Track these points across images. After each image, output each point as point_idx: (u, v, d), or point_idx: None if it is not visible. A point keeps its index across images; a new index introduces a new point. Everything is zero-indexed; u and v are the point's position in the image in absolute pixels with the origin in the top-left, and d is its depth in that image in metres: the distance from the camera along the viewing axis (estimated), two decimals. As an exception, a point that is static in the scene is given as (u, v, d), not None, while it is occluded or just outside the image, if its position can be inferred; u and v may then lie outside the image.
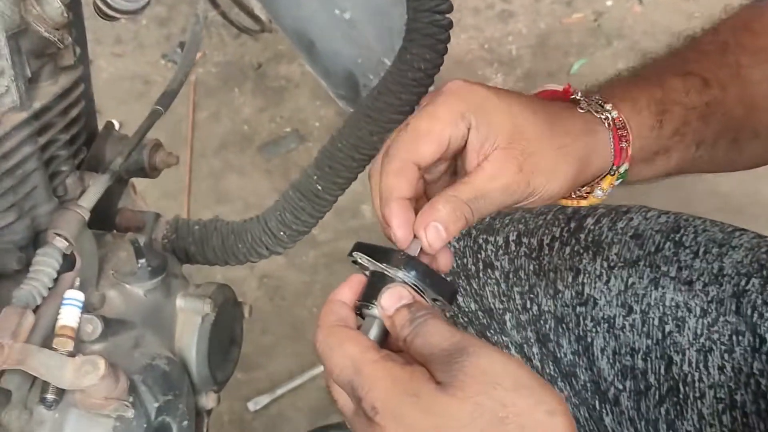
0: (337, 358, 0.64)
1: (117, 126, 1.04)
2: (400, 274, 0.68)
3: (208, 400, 0.91)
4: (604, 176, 0.80)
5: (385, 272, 0.68)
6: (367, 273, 0.71)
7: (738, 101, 0.84)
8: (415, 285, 0.68)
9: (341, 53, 1.59)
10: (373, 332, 0.68)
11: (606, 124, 0.78)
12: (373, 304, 0.68)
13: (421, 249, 0.71)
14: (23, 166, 0.78)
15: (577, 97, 0.80)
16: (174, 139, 2.17)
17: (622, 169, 0.79)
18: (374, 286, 0.69)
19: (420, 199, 0.75)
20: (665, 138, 0.82)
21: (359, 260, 0.70)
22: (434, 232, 0.69)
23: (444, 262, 0.73)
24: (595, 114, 0.78)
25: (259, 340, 1.84)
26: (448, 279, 0.73)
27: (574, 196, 0.83)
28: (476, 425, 0.58)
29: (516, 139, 0.72)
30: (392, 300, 0.66)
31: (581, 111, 0.78)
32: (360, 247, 0.71)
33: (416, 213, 0.72)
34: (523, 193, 0.72)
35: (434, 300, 0.70)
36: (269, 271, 1.96)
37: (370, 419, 0.61)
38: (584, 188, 0.82)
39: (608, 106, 0.79)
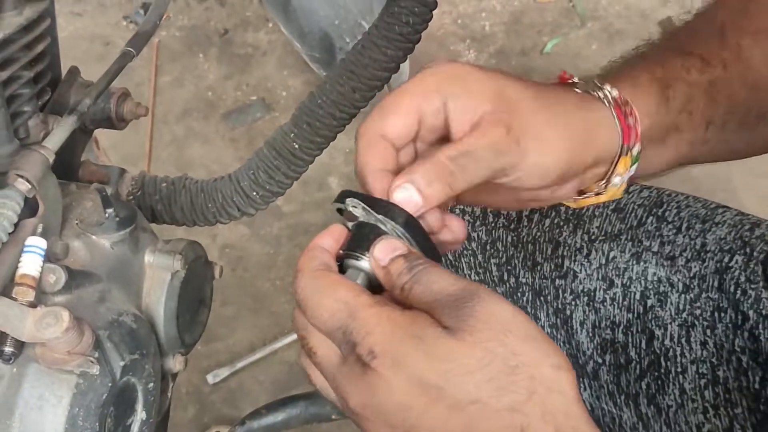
0: (327, 301, 0.60)
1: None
2: (396, 228, 0.65)
3: (175, 363, 0.86)
4: (618, 160, 0.76)
5: (379, 224, 0.64)
6: (351, 225, 0.67)
7: (741, 82, 0.82)
8: (409, 242, 0.65)
9: (318, 13, 1.54)
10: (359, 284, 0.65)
11: (605, 102, 0.74)
12: (362, 255, 0.64)
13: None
14: (-17, 101, 0.72)
15: (574, 81, 0.77)
16: (135, 103, 2.11)
17: (635, 151, 0.75)
18: (364, 237, 0.65)
19: None
20: (673, 113, 0.78)
21: (350, 208, 0.66)
22: (404, 193, 0.65)
23: (457, 229, 0.71)
24: (593, 93, 0.75)
25: (220, 311, 1.79)
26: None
27: (591, 194, 0.78)
28: (485, 372, 0.55)
29: (502, 104, 0.69)
30: (387, 250, 0.62)
31: (578, 91, 0.75)
32: (350, 194, 0.67)
33: None
34: (513, 155, 0.68)
35: None
36: (232, 241, 1.91)
37: (365, 365, 0.57)
38: (601, 182, 0.77)
39: (607, 86, 0.75)
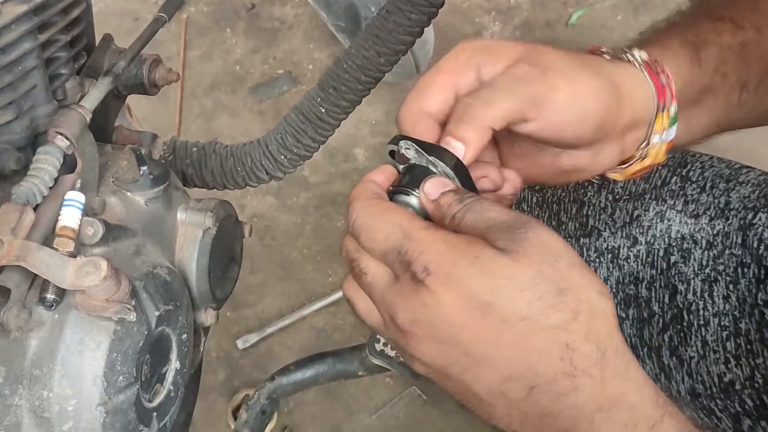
0: (383, 224, 0.63)
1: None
2: (446, 169, 0.67)
3: (207, 317, 0.89)
4: (654, 119, 0.76)
5: (430, 165, 0.67)
6: (402, 167, 0.70)
7: None
8: (457, 183, 0.67)
9: (343, -18, 1.56)
10: None
11: (635, 64, 0.75)
12: (412, 191, 0.67)
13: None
14: (23, 62, 0.75)
15: (602, 50, 0.78)
16: (164, 77, 2.13)
17: (672, 110, 0.76)
18: (414, 176, 0.67)
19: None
20: (707, 75, 0.79)
21: (403, 150, 0.68)
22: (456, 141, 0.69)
23: (514, 179, 0.74)
24: (622, 57, 0.75)
25: (249, 279, 1.82)
26: None
27: (634, 160, 0.79)
28: (536, 291, 0.58)
29: (529, 52, 0.70)
30: (437, 185, 0.65)
31: (607, 57, 0.76)
32: (403, 138, 0.69)
33: None
34: (538, 84, 0.68)
35: None
36: (260, 211, 1.94)
37: (418, 282, 0.59)
38: (642, 145, 0.77)
39: (635, 50, 0.76)
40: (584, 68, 0.71)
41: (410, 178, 0.68)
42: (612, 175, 0.80)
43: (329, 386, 1.61)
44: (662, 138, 0.76)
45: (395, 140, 0.70)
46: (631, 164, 0.78)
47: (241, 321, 1.77)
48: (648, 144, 0.77)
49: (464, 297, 0.58)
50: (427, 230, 0.61)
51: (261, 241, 1.89)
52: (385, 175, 0.69)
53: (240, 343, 1.72)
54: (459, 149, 0.67)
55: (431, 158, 0.67)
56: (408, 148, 0.68)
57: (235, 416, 1.61)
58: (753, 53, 0.80)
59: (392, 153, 0.71)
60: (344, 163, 1.98)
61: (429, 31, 1.95)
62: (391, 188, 0.68)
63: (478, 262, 0.58)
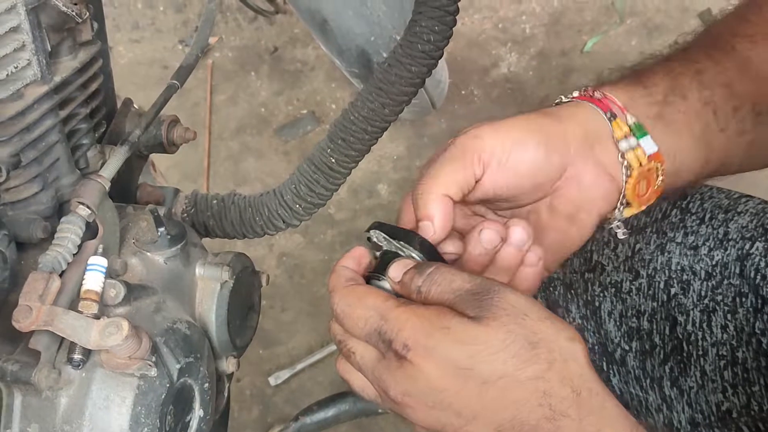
0: (360, 310, 0.69)
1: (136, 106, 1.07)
2: (413, 253, 0.73)
3: (228, 365, 0.94)
4: (612, 128, 0.80)
5: (399, 250, 0.73)
6: (378, 253, 0.76)
7: (740, 72, 0.86)
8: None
9: (354, 31, 1.62)
10: None
11: (561, 100, 0.82)
12: (383, 276, 0.73)
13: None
14: (46, 138, 0.81)
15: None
16: (192, 122, 2.21)
17: (628, 119, 0.80)
18: (385, 261, 0.74)
19: None
20: (659, 93, 0.83)
21: (374, 238, 0.74)
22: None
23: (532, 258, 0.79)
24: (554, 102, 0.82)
25: (279, 317, 1.87)
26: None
27: (623, 177, 0.81)
28: (510, 350, 0.63)
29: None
30: (399, 268, 0.71)
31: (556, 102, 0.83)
32: (378, 225, 0.76)
33: None
34: (464, 143, 0.76)
35: None
36: (288, 250, 1.99)
37: (401, 359, 0.65)
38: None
39: (568, 95, 0.83)
40: (508, 119, 0.78)
41: (381, 263, 0.74)
42: (626, 213, 0.83)
43: (360, 421, 1.65)
44: (630, 143, 0.80)
45: (371, 227, 0.76)
46: (625, 183, 0.81)
47: (273, 358, 1.82)
48: (623, 155, 0.80)
49: (444, 366, 0.64)
50: (399, 308, 0.67)
51: (290, 279, 1.94)
52: (354, 257, 0.75)
53: (272, 380, 1.77)
54: (428, 227, 0.73)
55: (399, 244, 0.73)
56: (378, 236, 0.75)
57: (269, 452, 1.65)
58: (712, 79, 0.84)
59: (369, 239, 0.77)
60: (368, 200, 2.04)
61: (442, 70, 2.00)
62: (367, 274, 0.74)
63: (451, 333, 0.64)
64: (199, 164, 2.16)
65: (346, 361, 0.73)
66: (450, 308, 0.66)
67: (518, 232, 0.76)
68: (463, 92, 2.20)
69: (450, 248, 0.76)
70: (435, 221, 0.73)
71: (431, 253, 0.73)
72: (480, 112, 2.17)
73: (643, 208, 0.83)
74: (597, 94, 0.81)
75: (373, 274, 0.74)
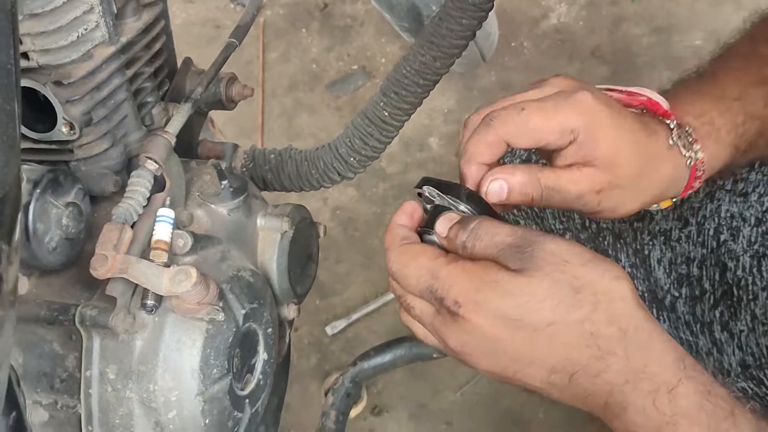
0: (413, 269, 0.72)
1: (194, 63, 1.11)
2: (462, 206, 0.75)
3: (289, 311, 0.99)
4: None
5: (449, 204, 0.75)
6: (429, 206, 0.78)
7: None
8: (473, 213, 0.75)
9: (404, -15, 1.63)
10: None
11: (687, 164, 0.83)
12: (432, 230, 0.75)
13: None
14: (115, 96, 0.85)
15: (671, 127, 0.83)
16: (246, 79, 2.20)
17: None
18: (434, 216, 0.76)
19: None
20: (737, 123, 0.86)
21: (426, 193, 0.77)
22: (497, 187, 0.76)
23: None
24: (683, 151, 0.83)
25: (334, 268, 1.92)
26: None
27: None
28: (555, 297, 0.66)
29: (611, 170, 0.78)
30: (445, 222, 0.74)
31: (671, 144, 0.83)
32: (427, 181, 0.78)
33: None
34: (591, 208, 0.79)
35: None
36: (341, 203, 2.03)
37: (453, 314, 0.69)
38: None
39: (696, 147, 0.83)
40: (640, 191, 0.81)
41: (432, 218, 0.76)
42: (663, 204, 0.88)
43: (414, 367, 1.70)
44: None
45: (420, 184, 0.78)
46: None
47: (329, 309, 1.87)
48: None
49: (495, 318, 0.67)
50: (449, 265, 0.70)
51: (344, 232, 1.98)
52: (407, 213, 0.77)
53: (329, 330, 1.82)
54: (500, 197, 0.76)
55: (449, 198, 0.75)
56: (430, 192, 0.77)
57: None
58: None
59: (420, 194, 0.79)
60: (419, 153, 2.06)
61: (492, 22, 2.00)
62: (419, 229, 0.77)
63: (498, 287, 0.67)
64: (253, 121, 2.20)
65: (406, 313, 0.76)
66: (495, 262, 0.69)
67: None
68: (512, 44, 2.20)
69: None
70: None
71: (479, 204, 0.75)
72: (530, 64, 2.16)
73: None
74: (696, 183, 0.84)
75: (425, 228, 0.77)
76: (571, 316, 0.66)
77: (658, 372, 0.66)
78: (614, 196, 0.78)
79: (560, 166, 0.77)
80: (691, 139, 0.83)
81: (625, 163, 0.77)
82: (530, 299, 0.67)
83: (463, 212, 0.75)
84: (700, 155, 0.83)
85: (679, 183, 0.83)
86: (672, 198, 0.85)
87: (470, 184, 0.77)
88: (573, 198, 0.77)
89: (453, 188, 0.77)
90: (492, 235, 0.70)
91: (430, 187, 0.77)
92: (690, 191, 0.85)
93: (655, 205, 0.86)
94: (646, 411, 0.65)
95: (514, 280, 0.67)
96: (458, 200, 0.75)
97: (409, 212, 0.78)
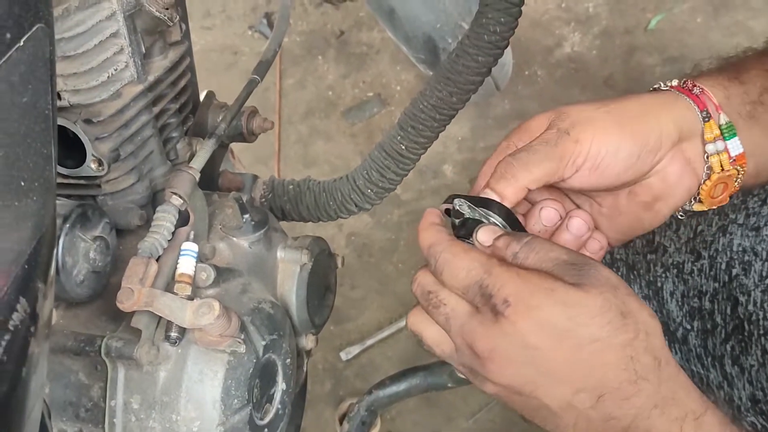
0: (465, 261, 0.72)
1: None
2: (493, 219, 0.76)
3: (307, 342, 1.01)
4: (703, 128, 0.81)
5: (483, 218, 0.76)
6: (458, 221, 0.79)
7: None
8: (506, 228, 0.76)
9: (420, 19, 1.66)
10: None
11: (660, 86, 0.82)
12: (468, 241, 0.76)
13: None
14: (141, 133, 0.88)
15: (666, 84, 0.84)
16: (262, 106, 2.26)
17: (721, 119, 0.80)
18: (469, 227, 0.77)
19: None
20: (754, 93, 0.83)
21: (458, 206, 0.78)
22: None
23: (594, 246, 0.83)
24: (652, 87, 0.83)
25: (349, 294, 1.94)
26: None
27: (703, 178, 0.82)
28: (606, 317, 0.68)
29: (553, 116, 0.80)
30: (488, 233, 0.75)
31: (667, 88, 0.83)
32: (455, 197, 0.79)
33: None
34: (566, 143, 0.77)
35: None
36: (357, 229, 2.05)
37: (497, 314, 0.69)
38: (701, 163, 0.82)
39: (668, 82, 0.83)
40: (606, 111, 0.79)
41: (466, 229, 0.77)
42: (696, 207, 0.85)
43: (428, 394, 1.71)
44: (717, 147, 0.81)
45: (449, 199, 0.79)
46: (703, 183, 0.82)
47: (343, 334, 1.89)
48: (707, 156, 0.81)
49: (543, 324, 0.68)
50: (503, 266, 0.71)
51: (359, 258, 2.01)
52: (438, 216, 0.79)
53: (343, 355, 1.84)
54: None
55: (482, 211, 0.77)
56: (461, 205, 0.78)
57: (341, 423, 1.72)
58: None
59: (447, 211, 0.80)
60: (433, 180, 2.08)
61: (507, 51, 2.02)
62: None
63: (555, 294, 0.68)
64: (270, 147, 2.23)
65: (429, 313, 0.75)
66: (550, 275, 0.70)
67: (577, 222, 0.80)
68: (526, 73, 2.22)
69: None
70: (506, 202, 0.77)
71: (512, 221, 0.76)
72: (543, 93, 2.19)
73: (713, 207, 0.85)
74: (696, 90, 0.81)
75: (458, 238, 0.77)
76: (616, 338, 0.68)
77: (686, 401, 0.69)
78: (578, 122, 0.78)
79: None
80: (691, 82, 0.82)
81: (566, 106, 0.79)
82: (584, 312, 0.68)
83: (498, 226, 0.76)
84: (672, 82, 0.82)
85: (672, 100, 0.81)
86: (704, 120, 0.81)
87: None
88: (542, 146, 0.77)
89: (486, 203, 0.77)
90: (548, 250, 0.71)
91: (461, 200, 0.78)
92: (718, 111, 0.80)
93: (711, 146, 0.81)
94: None
95: (572, 291, 0.68)
96: (492, 214, 0.76)
97: (437, 216, 0.79)
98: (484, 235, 0.75)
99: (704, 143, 0.81)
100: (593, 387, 0.68)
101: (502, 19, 0.95)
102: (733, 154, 0.81)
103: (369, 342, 1.83)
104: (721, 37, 2.17)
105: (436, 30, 1.66)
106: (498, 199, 0.77)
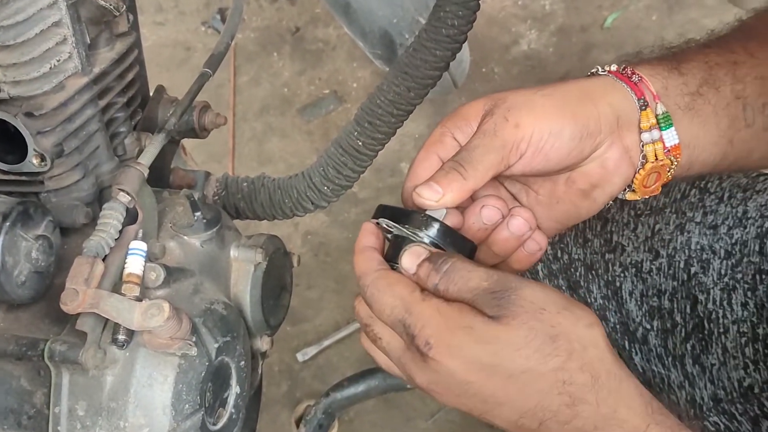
0: (387, 298, 0.70)
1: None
2: (420, 233, 0.73)
3: (262, 343, 0.98)
4: (640, 117, 0.80)
5: (407, 234, 0.73)
6: (390, 235, 0.77)
7: None
8: (434, 243, 0.73)
9: (376, 13, 1.64)
10: None
11: (597, 70, 0.81)
12: (396, 264, 0.73)
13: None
14: (87, 127, 0.85)
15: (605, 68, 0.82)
16: (216, 103, 2.23)
17: (658, 109, 0.80)
18: (397, 247, 0.74)
19: None
20: (694, 84, 0.83)
21: (382, 224, 0.76)
22: (427, 190, 0.74)
23: (540, 240, 0.79)
24: (624, 75, 0.80)
25: (305, 294, 1.91)
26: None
27: (638, 167, 0.81)
28: (531, 346, 0.66)
29: (488, 103, 0.78)
30: (412, 258, 0.72)
31: (604, 73, 0.81)
32: (383, 210, 0.77)
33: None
34: (506, 131, 0.75)
35: None
36: (313, 228, 2.03)
37: (423, 355, 0.68)
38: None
39: (638, 75, 0.81)
40: (544, 95, 0.77)
41: (394, 250, 0.75)
42: (629, 196, 0.84)
43: (387, 394, 1.70)
44: (652, 136, 0.80)
45: (377, 213, 0.77)
46: (637, 172, 0.81)
47: (300, 335, 1.86)
48: (643, 145, 0.81)
49: (468, 363, 0.67)
50: (424, 302, 0.69)
51: (316, 258, 1.98)
52: (373, 234, 0.76)
53: (300, 356, 1.81)
54: (441, 203, 0.73)
55: (407, 230, 0.73)
56: (387, 225, 0.75)
57: (298, 425, 1.70)
58: (746, 73, 0.84)
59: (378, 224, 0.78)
60: (391, 178, 2.06)
61: (464, 49, 2.01)
62: (384, 257, 0.75)
63: (474, 333, 0.67)
64: (223, 145, 2.19)
65: (371, 342, 0.75)
66: (470, 306, 0.68)
67: (518, 221, 0.78)
68: (483, 70, 2.22)
69: (449, 220, 0.76)
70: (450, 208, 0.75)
71: (442, 233, 0.73)
72: (500, 90, 2.17)
73: (646, 197, 0.85)
74: (635, 78, 0.80)
75: (390, 262, 0.75)
76: (546, 365, 0.66)
77: (627, 417, 0.66)
78: (514, 107, 0.76)
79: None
80: (630, 69, 0.81)
81: (502, 93, 0.78)
82: (506, 347, 0.67)
83: (425, 245, 0.73)
84: (611, 67, 0.81)
85: (610, 85, 0.80)
86: (641, 108, 0.80)
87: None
88: (482, 139, 0.75)
89: (408, 216, 0.74)
90: (466, 280, 0.69)
91: (385, 220, 0.76)
92: (655, 101, 0.80)
93: (647, 134, 0.80)
94: None
95: (491, 327, 0.67)
96: (417, 231, 0.73)
97: (374, 232, 0.77)
98: (407, 262, 0.72)
99: (640, 132, 0.80)
100: (533, 413, 0.68)
101: (460, 13, 0.93)
102: (668, 145, 0.81)
103: (326, 342, 1.81)
104: (675, 35, 2.18)
105: (393, 25, 1.64)
106: (435, 207, 0.74)
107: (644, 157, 0.80)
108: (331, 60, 2.32)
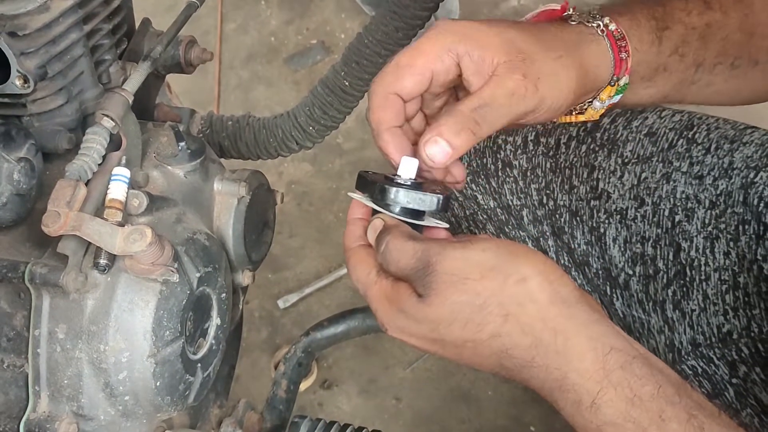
0: (354, 276, 0.74)
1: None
2: (382, 210, 0.73)
3: (244, 278, 0.98)
4: (604, 87, 0.82)
5: (373, 206, 0.74)
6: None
7: (738, 26, 0.86)
8: (404, 208, 0.73)
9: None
10: None
11: (600, 32, 0.80)
12: None
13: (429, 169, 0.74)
14: (71, 51, 0.83)
15: (569, 13, 0.81)
16: (202, 50, 2.21)
17: (622, 82, 0.82)
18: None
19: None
20: (665, 55, 0.84)
21: (356, 197, 0.77)
22: (435, 147, 0.71)
23: (457, 173, 0.78)
24: (588, 24, 0.80)
25: (288, 242, 1.91)
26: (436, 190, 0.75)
27: (574, 112, 0.84)
28: (461, 319, 0.67)
29: (514, 52, 0.74)
30: (371, 234, 0.73)
31: (573, 23, 0.80)
32: (361, 176, 0.76)
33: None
34: (531, 99, 0.73)
35: (428, 214, 0.76)
36: (297, 177, 2.02)
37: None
38: (582, 104, 0.83)
39: (605, 19, 0.80)
40: (563, 62, 0.76)
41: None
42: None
43: (366, 342, 1.70)
44: (603, 105, 0.83)
45: (357, 182, 0.77)
46: (567, 116, 0.84)
47: (281, 282, 1.86)
48: (589, 104, 0.83)
49: (419, 339, 0.70)
50: (375, 286, 0.71)
51: (299, 207, 1.97)
52: (360, 206, 0.77)
53: (281, 303, 1.81)
54: (447, 153, 0.71)
55: (375, 202, 0.74)
56: (360, 198, 0.76)
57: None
58: (714, 34, 0.84)
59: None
60: (376, 129, 2.05)
61: (453, 3, 2.00)
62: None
63: (409, 315, 0.69)
64: (209, 92, 2.17)
65: None
66: (408, 285, 0.70)
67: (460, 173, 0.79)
68: (473, 25, 2.20)
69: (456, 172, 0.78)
70: (453, 155, 0.72)
71: (401, 198, 0.72)
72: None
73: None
74: (623, 54, 0.80)
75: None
76: (483, 333, 0.66)
77: (579, 382, 0.64)
78: (541, 71, 0.73)
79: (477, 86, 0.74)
80: (595, 13, 0.80)
81: (520, 39, 0.74)
82: (439, 325, 0.68)
83: (392, 213, 0.73)
84: (612, 25, 0.79)
85: (603, 54, 0.79)
86: (611, 84, 0.81)
87: (395, 155, 0.74)
88: (508, 100, 0.72)
89: (370, 186, 0.74)
90: (397, 261, 0.69)
91: (358, 193, 0.76)
92: (626, 74, 0.81)
93: (599, 103, 0.83)
94: (575, 417, 0.66)
95: (419, 308, 0.68)
96: (379, 203, 0.73)
97: (360, 203, 0.77)
98: (370, 237, 0.74)
99: (596, 98, 0.82)
100: (499, 370, 0.69)
101: (452, -48, 0.93)
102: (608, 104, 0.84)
103: (307, 290, 1.81)
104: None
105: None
106: (447, 150, 0.71)
107: (584, 110, 0.84)
108: (319, 10, 2.29)
